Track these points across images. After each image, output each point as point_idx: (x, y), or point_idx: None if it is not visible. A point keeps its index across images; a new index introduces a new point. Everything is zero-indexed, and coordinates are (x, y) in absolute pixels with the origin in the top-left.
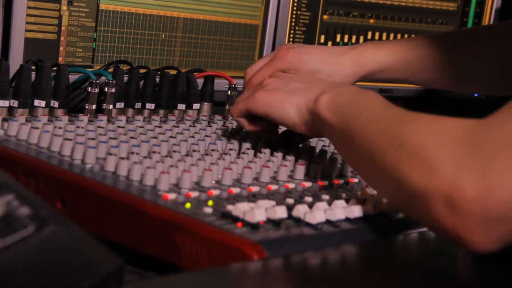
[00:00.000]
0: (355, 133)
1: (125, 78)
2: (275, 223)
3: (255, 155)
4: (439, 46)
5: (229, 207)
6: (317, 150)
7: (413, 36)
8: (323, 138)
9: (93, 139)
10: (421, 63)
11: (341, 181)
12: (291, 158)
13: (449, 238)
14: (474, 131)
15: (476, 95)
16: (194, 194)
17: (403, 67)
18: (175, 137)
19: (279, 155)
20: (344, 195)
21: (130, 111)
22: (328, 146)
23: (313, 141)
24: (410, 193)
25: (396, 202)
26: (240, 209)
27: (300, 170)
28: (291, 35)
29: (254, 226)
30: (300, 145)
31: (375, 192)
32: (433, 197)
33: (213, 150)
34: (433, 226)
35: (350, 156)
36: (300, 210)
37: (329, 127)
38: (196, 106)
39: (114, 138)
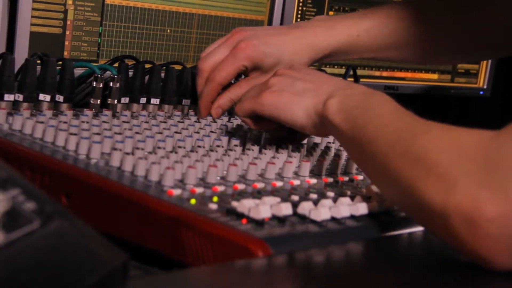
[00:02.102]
0: (366, 143)
1: (130, 73)
2: (280, 220)
3: (260, 151)
4: (394, 23)
5: (234, 204)
6: (322, 147)
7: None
8: None
9: (98, 134)
10: (375, 43)
11: (346, 178)
12: (296, 154)
13: (468, 255)
14: (488, 146)
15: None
16: (199, 190)
17: (357, 48)
18: (180, 133)
19: (284, 151)
20: (349, 192)
21: (135, 106)
22: (333, 142)
23: (318, 138)
24: (427, 210)
25: (411, 216)
26: (245, 205)
27: (305, 167)
28: None
29: (259, 223)
30: (305, 141)
31: (376, 189)
32: (451, 215)
33: (218, 146)
34: (452, 242)
35: (362, 164)
36: (305, 207)
37: (339, 132)
38: None
39: (119, 133)
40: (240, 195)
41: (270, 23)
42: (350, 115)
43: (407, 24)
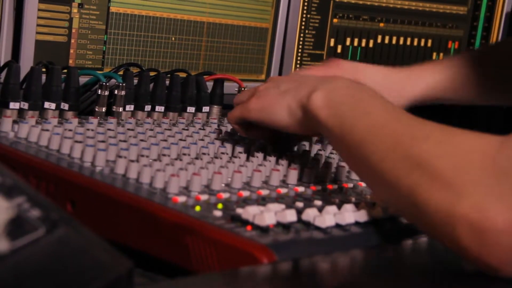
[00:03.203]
0: (357, 143)
1: (135, 81)
2: (284, 227)
3: (264, 158)
4: (474, 62)
5: (239, 210)
6: (327, 154)
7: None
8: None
9: (103, 141)
10: (463, 80)
11: (351, 185)
12: (300, 161)
13: (475, 263)
14: (496, 154)
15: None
16: (204, 197)
17: (450, 87)
18: (184, 140)
19: (289, 158)
20: (353, 199)
21: (139, 114)
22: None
23: (322, 145)
24: (431, 217)
25: (412, 221)
26: (249, 212)
27: (310, 174)
28: (301, 39)
29: (264, 230)
30: (309, 147)
31: None
32: (458, 224)
33: (222, 153)
34: (457, 250)
35: (354, 164)
36: (310, 214)
37: (327, 129)
38: (205, 109)
39: (124, 141)
40: (245, 202)
41: (274, 30)
42: (337, 111)
43: (467, 70)
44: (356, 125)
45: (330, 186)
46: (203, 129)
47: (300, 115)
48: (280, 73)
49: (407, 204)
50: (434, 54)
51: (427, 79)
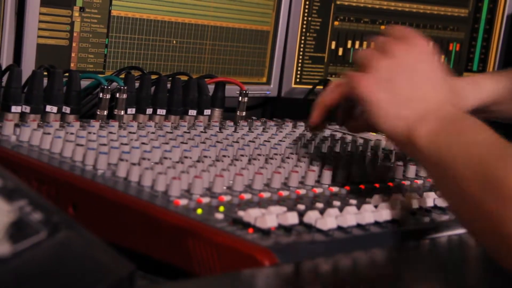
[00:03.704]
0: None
1: (137, 84)
2: (286, 229)
3: (266, 161)
4: None
5: (240, 213)
6: (329, 156)
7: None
8: (327, 141)
9: (104, 145)
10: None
11: (352, 187)
12: (302, 164)
13: None
14: None
15: None
16: (206, 200)
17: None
18: (186, 143)
19: (290, 161)
20: (355, 201)
21: (141, 117)
22: (339, 151)
23: (324, 147)
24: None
25: (496, 254)
26: (251, 215)
27: (311, 176)
28: (302, 41)
29: (265, 232)
30: (312, 150)
31: (383, 199)
32: None
33: (224, 156)
34: None
35: (442, 188)
36: (311, 216)
37: (423, 157)
38: (207, 112)
39: (126, 144)
40: (247, 204)
41: (275, 33)
42: (439, 142)
43: None
44: (456, 158)
45: (331, 189)
46: (205, 132)
47: (402, 138)
48: (281, 76)
49: (490, 233)
50: None
51: (488, 88)
